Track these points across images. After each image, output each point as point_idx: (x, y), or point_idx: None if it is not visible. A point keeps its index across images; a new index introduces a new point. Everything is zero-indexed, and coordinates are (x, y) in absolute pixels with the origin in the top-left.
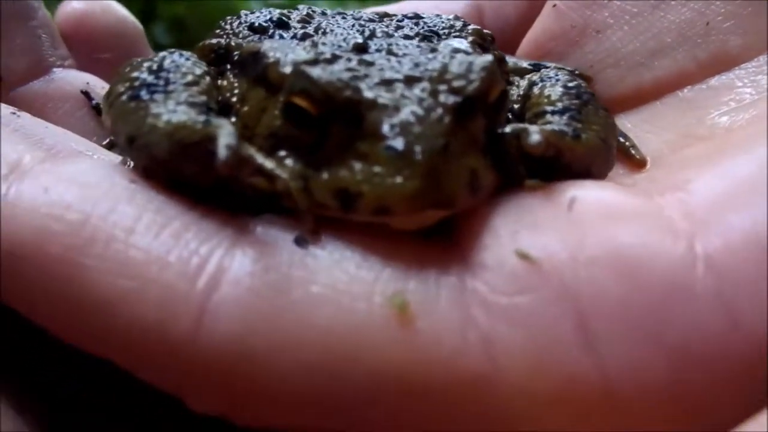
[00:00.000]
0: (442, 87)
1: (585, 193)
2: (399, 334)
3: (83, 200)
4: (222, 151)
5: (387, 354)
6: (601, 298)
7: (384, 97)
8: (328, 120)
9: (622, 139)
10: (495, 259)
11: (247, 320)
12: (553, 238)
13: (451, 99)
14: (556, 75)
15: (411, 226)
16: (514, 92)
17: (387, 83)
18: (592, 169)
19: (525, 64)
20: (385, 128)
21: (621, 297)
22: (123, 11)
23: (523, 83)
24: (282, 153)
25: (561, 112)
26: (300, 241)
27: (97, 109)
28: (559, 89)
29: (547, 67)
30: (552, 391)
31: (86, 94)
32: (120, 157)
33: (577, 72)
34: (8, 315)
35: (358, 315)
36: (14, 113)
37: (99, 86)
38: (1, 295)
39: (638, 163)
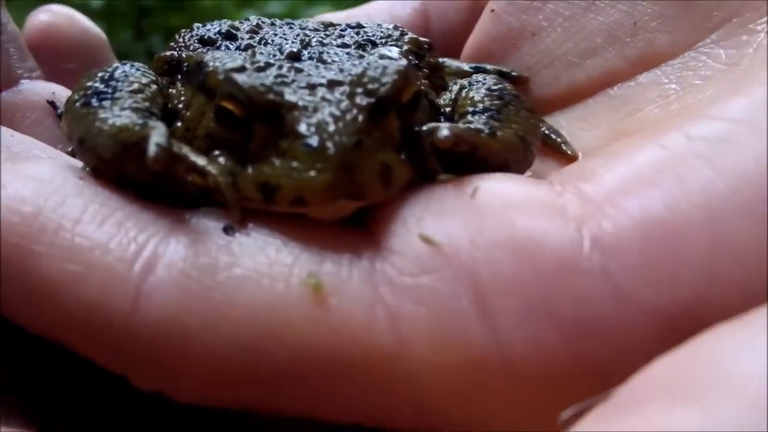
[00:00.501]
0: (359, 90)
1: (488, 184)
2: (313, 311)
3: (36, 195)
4: (152, 149)
5: (303, 330)
6: (498, 277)
7: (304, 99)
8: (252, 121)
9: (554, 136)
10: (402, 244)
11: (179, 299)
12: (455, 224)
13: (365, 100)
14: (484, 79)
15: (328, 216)
16: (447, 96)
17: (311, 87)
18: (509, 165)
19: (467, 67)
20: (302, 127)
21: (515, 276)
22: (87, 22)
23: (455, 87)
24: (216, 152)
25: (481, 112)
26: (228, 230)
27: (62, 118)
28: (482, 92)
29: (486, 70)
30: (454, 363)
31: (52, 103)
32: (81, 163)
33: (514, 73)
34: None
35: (277, 294)
36: None
37: (64, 96)
38: None
39: (570, 159)
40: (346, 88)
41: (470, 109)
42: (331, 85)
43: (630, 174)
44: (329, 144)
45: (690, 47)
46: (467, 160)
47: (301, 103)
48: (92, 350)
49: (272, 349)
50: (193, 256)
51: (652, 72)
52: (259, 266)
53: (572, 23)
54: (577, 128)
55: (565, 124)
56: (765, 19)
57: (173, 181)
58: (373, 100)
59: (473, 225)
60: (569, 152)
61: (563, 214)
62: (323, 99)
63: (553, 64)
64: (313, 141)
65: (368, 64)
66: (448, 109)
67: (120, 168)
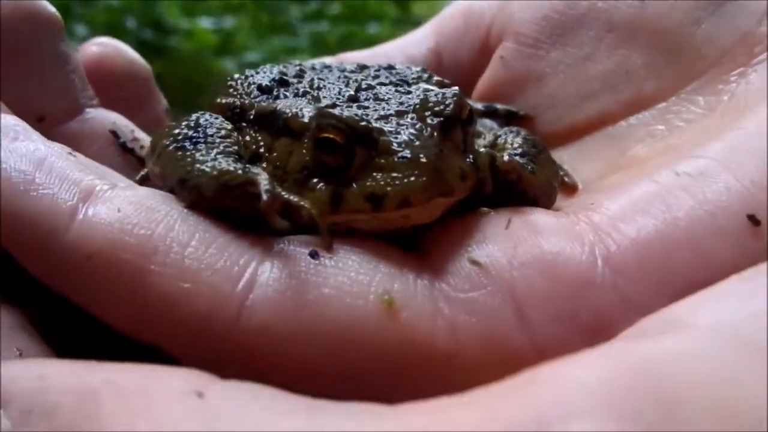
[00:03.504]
0: (427, 113)
1: (518, 216)
2: (387, 322)
3: (148, 220)
4: (264, 195)
5: (378, 337)
6: (531, 291)
7: (387, 125)
8: (351, 145)
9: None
10: (454, 266)
11: (275, 314)
12: (495, 248)
13: (436, 120)
14: (518, 130)
15: (424, 218)
16: (482, 143)
17: (384, 117)
18: (539, 201)
19: (479, 106)
20: (395, 145)
21: (545, 289)
22: (134, 54)
23: (490, 137)
24: (314, 180)
25: (521, 155)
26: (313, 255)
27: (123, 147)
28: (519, 139)
29: (496, 109)
30: (499, 359)
31: (114, 133)
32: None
33: (522, 113)
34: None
35: (357, 309)
36: (71, 153)
37: (122, 124)
38: (76, 296)
39: (571, 188)
40: (414, 115)
41: (511, 151)
42: (399, 114)
43: (628, 204)
44: (421, 154)
45: (674, 93)
46: (507, 191)
47: (387, 128)
48: (194, 356)
49: (354, 353)
50: (287, 278)
51: (641, 114)
52: (342, 285)
53: (573, 70)
54: (577, 162)
55: (566, 158)
56: (737, 71)
57: (266, 215)
58: (442, 119)
59: (509, 249)
60: (570, 182)
61: (580, 238)
62: (399, 124)
63: (555, 105)
64: (407, 153)
65: (421, 94)
66: None
67: (220, 204)
